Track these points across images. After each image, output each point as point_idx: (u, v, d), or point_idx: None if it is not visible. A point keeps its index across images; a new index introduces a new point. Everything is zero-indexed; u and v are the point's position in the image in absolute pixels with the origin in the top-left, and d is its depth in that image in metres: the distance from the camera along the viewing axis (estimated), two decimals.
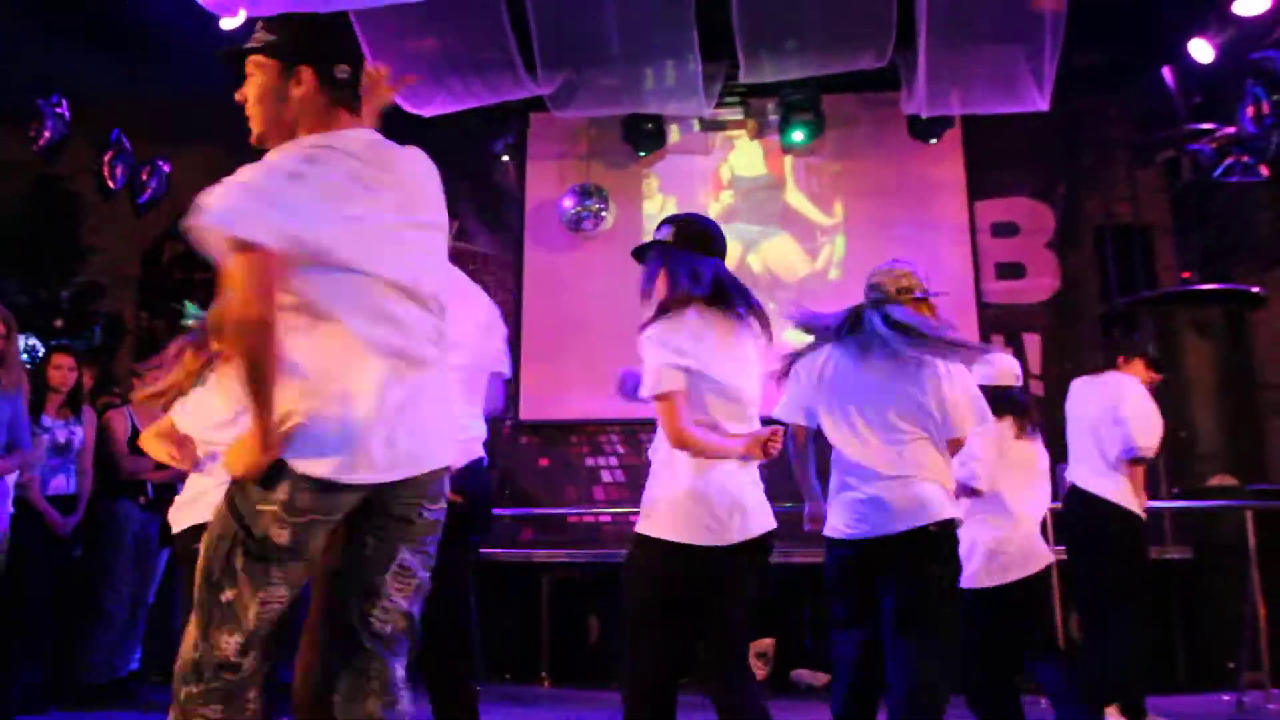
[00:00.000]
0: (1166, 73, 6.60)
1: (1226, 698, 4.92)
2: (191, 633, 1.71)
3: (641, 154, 7.80)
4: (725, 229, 2.72)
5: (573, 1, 6.08)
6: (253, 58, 1.83)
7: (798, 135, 7.52)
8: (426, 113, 6.44)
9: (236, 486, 1.71)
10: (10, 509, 4.35)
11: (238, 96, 1.85)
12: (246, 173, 1.66)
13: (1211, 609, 5.45)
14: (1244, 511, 5.15)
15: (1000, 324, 7.33)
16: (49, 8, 5.89)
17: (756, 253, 7.75)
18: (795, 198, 7.85)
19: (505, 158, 7.91)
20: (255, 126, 1.86)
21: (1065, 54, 5.91)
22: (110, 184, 6.35)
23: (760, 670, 6.12)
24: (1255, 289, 6.37)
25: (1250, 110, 5.76)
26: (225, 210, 1.59)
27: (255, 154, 1.87)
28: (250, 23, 5.87)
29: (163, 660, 5.55)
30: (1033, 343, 7.24)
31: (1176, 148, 6.63)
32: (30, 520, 4.49)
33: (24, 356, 5.42)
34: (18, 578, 4.35)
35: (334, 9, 5.49)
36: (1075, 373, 5.27)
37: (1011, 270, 7.47)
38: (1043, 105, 6.14)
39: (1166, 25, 6.32)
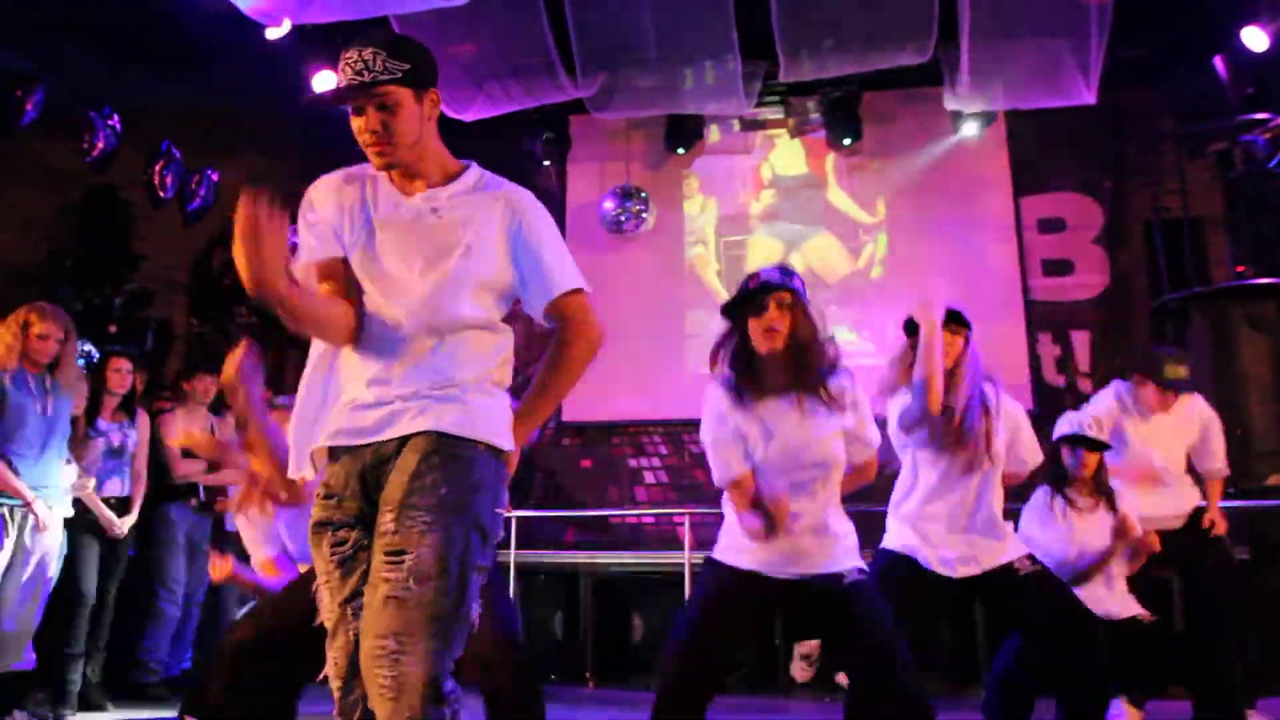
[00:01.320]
0: (1218, 62, 6.45)
1: None
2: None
3: (681, 153, 7.79)
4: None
5: (611, 3, 6.08)
6: (390, 88, 1.83)
7: (846, 141, 7.46)
8: (466, 117, 6.48)
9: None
10: (70, 510, 4.45)
11: (365, 126, 1.85)
12: (560, 238, 1.98)
13: (1271, 609, 5.32)
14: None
15: (1048, 322, 7.21)
16: (99, 21, 6.01)
17: (798, 252, 7.70)
18: (837, 196, 7.79)
19: (545, 161, 7.93)
20: (391, 155, 1.87)
21: (1112, 45, 5.83)
22: (161, 193, 6.47)
23: (806, 672, 6.07)
24: None
25: None
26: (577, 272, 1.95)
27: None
28: (301, 35, 5.96)
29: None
30: (1081, 340, 7.11)
31: (1228, 139, 6.47)
32: (86, 522, 4.58)
33: (79, 362, 5.54)
34: (74, 578, 4.45)
35: (378, 14, 5.58)
36: (1125, 371, 5.17)
37: (1059, 267, 7.34)
38: (1089, 98, 6.07)
39: (1217, 13, 6.19)
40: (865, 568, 2.58)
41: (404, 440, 1.80)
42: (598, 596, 6.16)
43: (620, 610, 6.34)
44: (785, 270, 2.57)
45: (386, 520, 1.72)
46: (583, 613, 6.12)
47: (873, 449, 2.65)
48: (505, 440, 1.86)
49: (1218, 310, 6.16)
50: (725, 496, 2.63)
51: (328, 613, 1.82)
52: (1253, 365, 5.95)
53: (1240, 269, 6.52)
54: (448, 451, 1.77)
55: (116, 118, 6.26)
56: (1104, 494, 3.59)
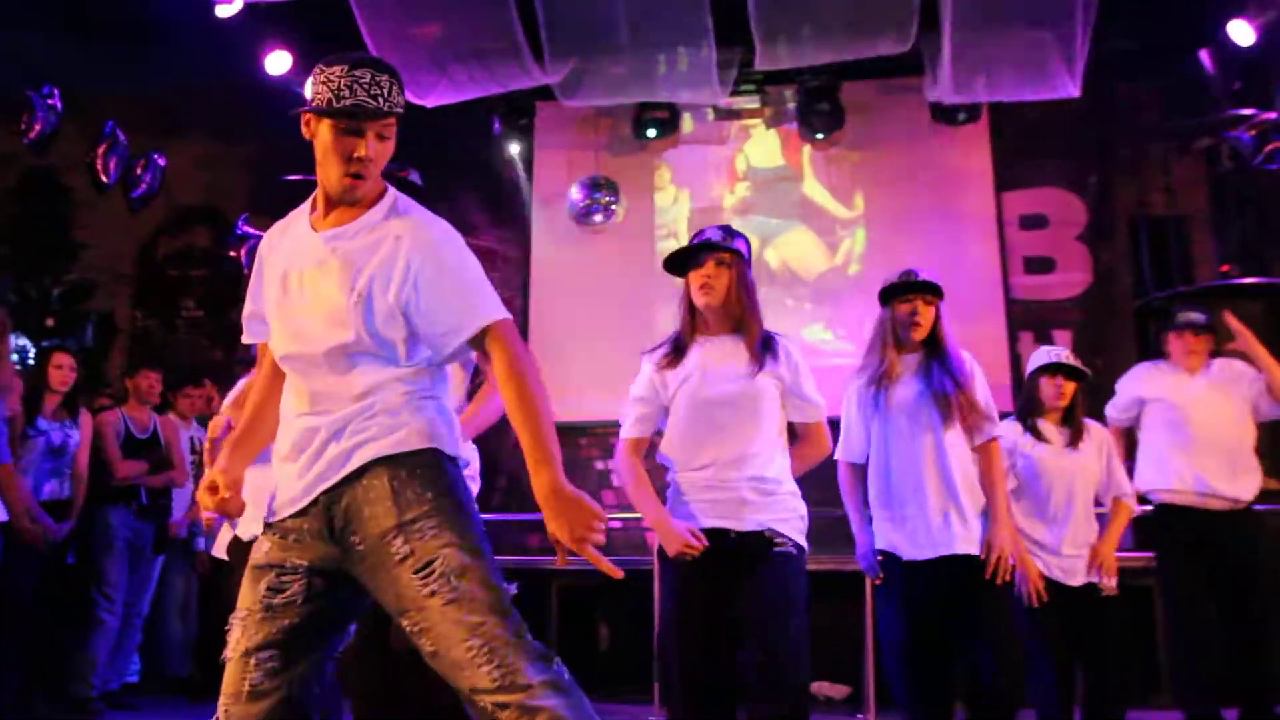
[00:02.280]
0: (1204, 56, 6.41)
1: None
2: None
3: (653, 138, 7.60)
4: (741, 222, 2.75)
5: None
6: (393, 121, 1.89)
7: (819, 136, 7.31)
8: (428, 103, 6.30)
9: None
10: (4, 515, 4.22)
11: (365, 153, 1.84)
12: (471, 268, 1.88)
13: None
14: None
15: (1029, 321, 7.11)
16: None
17: (773, 247, 7.53)
18: (814, 189, 7.62)
19: (510, 148, 7.71)
20: (368, 184, 1.88)
21: (1097, 37, 5.73)
22: (103, 178, 6.22)
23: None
24: None
25: None
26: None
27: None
28: (252, 13, 5.73)
29: (159, 671, 5.44)
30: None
31: (1214, 135, 6.47)
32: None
33: (14, 357, 5.31)
34: (5, 585, 4.24)
35: None
36: (1108, 371, 5.08)
37: (1041, 264, 7.22)
38: (1074, 91, 5.98)
39: (1204, 7, 6.13)
40: (803, 544, 2.67)
41: (358, 473, 1.81)
42: (563, 603, 6.00)
43: (586, 617, 6.20)
44: (728, 230, 2.75)
45: (398, 545, 1.74)
46: (548, 619, 5.95)
47: (816, 413, 2.76)
48: (450, 445, 1.88)
49: (1203, 309, 6.07)
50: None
51: (231, 651, 1.82)
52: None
53: (1225, 268, 6.48)
54: (409, 465, 1.80)
55: (57, 96, 6.00)
56: (1073, 427, 3.62)
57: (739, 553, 2.59)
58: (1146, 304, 6.60)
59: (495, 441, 6.84)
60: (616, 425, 2.86)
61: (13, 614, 4.35)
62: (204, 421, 5.74)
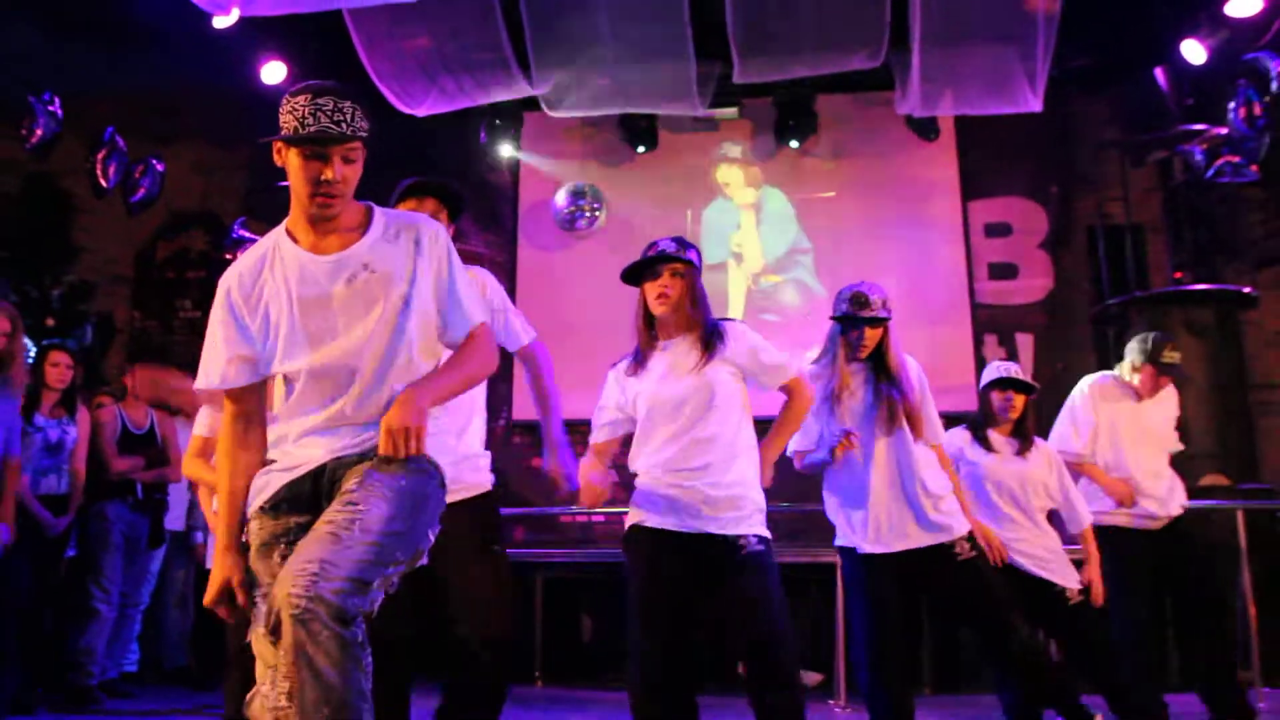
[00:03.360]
0: (1159, 74, 6.61)
1: None
2: None
3: (636, 152, 7.79)
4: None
5: (566, 1, 6.06)
6: (358, 144, 1.96)
7: (794, 144, 7.53)
8: (419, 112, 6.41)
9: None
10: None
11: (332, 176, 1.93)
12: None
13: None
14: (1235, 511, 5.16)
15: (993, 324, 7.33)
16: (40, 2, 5.85)
17: (750, 254, 7.74)
18: (788, 197, 7.83)
19: (499, 157, 7.88)
20: (339, 206, 1.98)
21: (1058, 55, 5.94)
22: (103, 182, 6.30)
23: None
24: (1246, 289, 6.39)
25: (1241, 111, 5.77)
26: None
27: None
28: (250, 23, 5.85)
29: (157, 661, 5.55)
30: (1025, 343, 7.24)
31: (1168, 148, 6.64)
32: (20, 521, 4.46)
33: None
34: (4, 579, 4.32)
35: (328, 8, 5.50)
36: (1068, 373, 5.26)
37: (1004, 270, 7.47)
38: (1036, 106, 6.16)
39: (1159, 26, 6.32)
40: (767, 535, 2.71)
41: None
42: (547, 596, 6.14)
43: (570, 610, 6.33)
44: (681, 242, 2.81)
45: (350, 483, 1.86)
46: (532, 612, 6.09)
47: (785, 371, 2.84)
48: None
49: (1157, 315, 6.32)
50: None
51: (265, 627, 1.85)
52: (1189, 368, 6.11)
53: (1178, 275, 6.70)
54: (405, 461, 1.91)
55: (58, 103, 6.08)
56: (1022, 437, 3.76)
57: (702, 554, 2.63)
58: (1104, 309, 6.82)
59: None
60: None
61: (12, 607, 4.39)
62: None
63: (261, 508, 1.96)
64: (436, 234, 2.07)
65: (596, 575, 6.09)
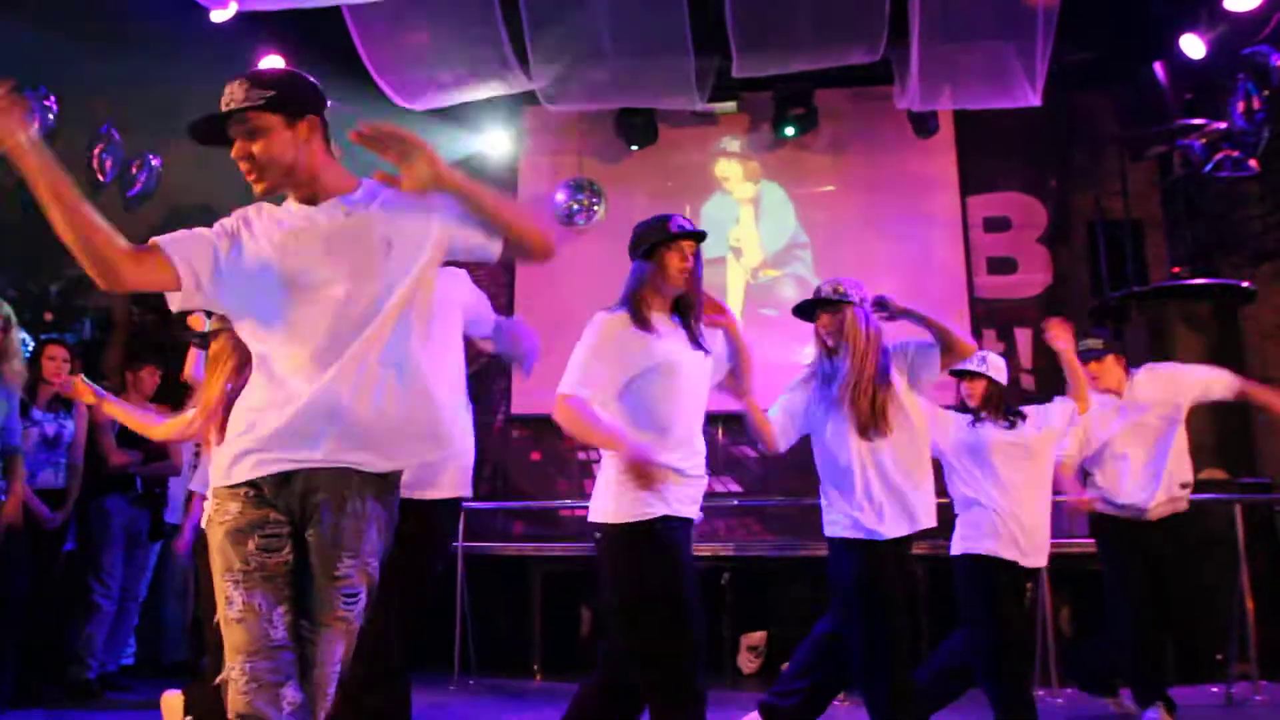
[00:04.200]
0: (1158, 68, 6.61)
1: (1215, 689, 4.95)
2: None
3: (634, 148, 7.79)
4: (717, 224, 2.83)
5: None
6: (252, 115, 1.90)
7: (789, 131, 7.54)
8: (418, 107, 6.43)
9: None
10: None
11: (238, 153, 1.91)
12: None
13: (1204, 601, 5.48)
14: (1233, 505, 5.18)
15: (992, 319, 7.35)
16: None
17: (749, 248, 7.75)
18: (787, 192, 7.84)
19: (497, 152, 7.88)
20: (264, 181, 1.94)
21: (1057, 49, 5.94)
22: (100, 177, 6.30)
23: (753, 663, 6.14)
24: (1245, 283, 6.40)
25: (1240, 105, 5.78)
26: None
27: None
28: (248, 17, 5.85)
29: (156, 654, 5.57)
30: (1024, 337, 7.25)
31: (1167, 143, 6.64)
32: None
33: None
34: (3, 573, 4.33)
35: (327, 4, 5.50)
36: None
37: (1003, 265, 7.47)
38: (1035, 100, 6.16)
39: (1158, 21, 6.32)
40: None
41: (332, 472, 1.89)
42: (546, 589, 6.16)
43: (568, 604, 6.35)
44: (691, 223, 2.86)
45: (347, 565, 1.87)
46: (531, 606, 6.12)
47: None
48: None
49: (1155, 309, 6.34)
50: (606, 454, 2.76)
51: (238, 612, 1.82)
52: (1187, 363, 6.11)
53: (1176, 270, 6.71)
54: (373, 490, 1.92)
55: (53, 99, 6.07)
56: (1007, 415, 3.86)
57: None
58: (1102, 304, 6.83)
59: (481, 433, 7.03)
60: None
61: (10, 601, 4.39)
62: None
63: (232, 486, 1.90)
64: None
65: (595, 569, 6.09)
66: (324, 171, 1.97)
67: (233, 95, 1.90)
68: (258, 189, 1.94)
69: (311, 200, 1.97)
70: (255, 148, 1.90)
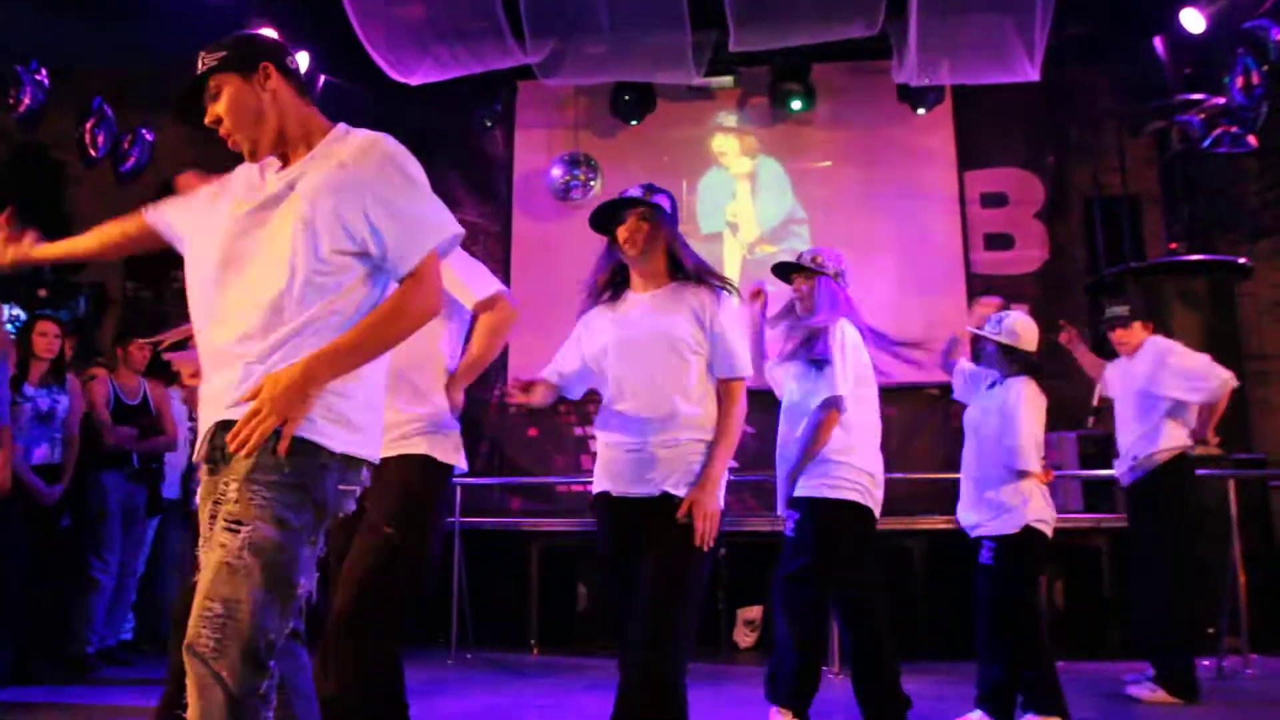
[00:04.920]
0: (1157, 43, 6.59)
1: (1206, 663, 4.99)
2: None
3: (630, 123, 7.74)
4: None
5: None
6: (211, 80, 1.89)
7: (796, 105, 7.49)
8: (412, 81, 6.38)
9: None
10: None
11: (208, 119, 1.90)
12: (420, 189, 1.88)
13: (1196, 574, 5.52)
14: (1227, 480, 5.20)
15: (988, 294, 7.33)
16: None
17: (745, 224, 7.73)
18: (784, 167, 7.81)
19: (492, 126, 7.84)
20: (241, 141, 1.90)
21: (1056, 24, 5.91)
22: (92, 152, 6.27)
23: (749, 637, 6.19)
24: (1241, 260, 6.41)
25: (1240, 80, 5.75)
26: (442, 220, 1.89)
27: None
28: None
29: (154, 629, 5.60)
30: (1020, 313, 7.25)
31: (1166, 118, 6.63)
32: (14, 490, 4.47)
33: (8, 326, 5.39)
34: (0, 548, 4.35)
35: None
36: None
37: (1000, 241, 7.46)
38: (1033, 75, 6.14)
39: None
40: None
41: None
42: (543, 565, 6.19)
43: (565, 579, 6.38)
44: (649, 187, 2.77)
45: (232, 489, 1.72)
46: (528, 581, 6.14)
47: (735, 370, 2.60)
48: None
49: (1151, 285, 6.34)
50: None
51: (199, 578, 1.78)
52: (1183, 338, 6.12)
53: (1174, 246, 6.71)
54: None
55: (44, 73, 6.03)
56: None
57: None
58: (1099, 279, 6.83)
59: (477, 408, 7.04)
60: (594, 394, 2.84)
61: (8, 576, 4.40)
62: None
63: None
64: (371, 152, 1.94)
65: (592, 544, 6.12)
66: (299, 120, 1.93)
67: (201, 63, 1.91)
68: (242, 151, 1.93)
69: (287, 156, 1.93)
70: (219, 108, 1.89)
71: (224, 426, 1.78)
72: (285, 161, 1.93)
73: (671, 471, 2.48)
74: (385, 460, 2.13)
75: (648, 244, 2.67)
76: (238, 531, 1.69)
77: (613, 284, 2.80)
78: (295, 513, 1.73)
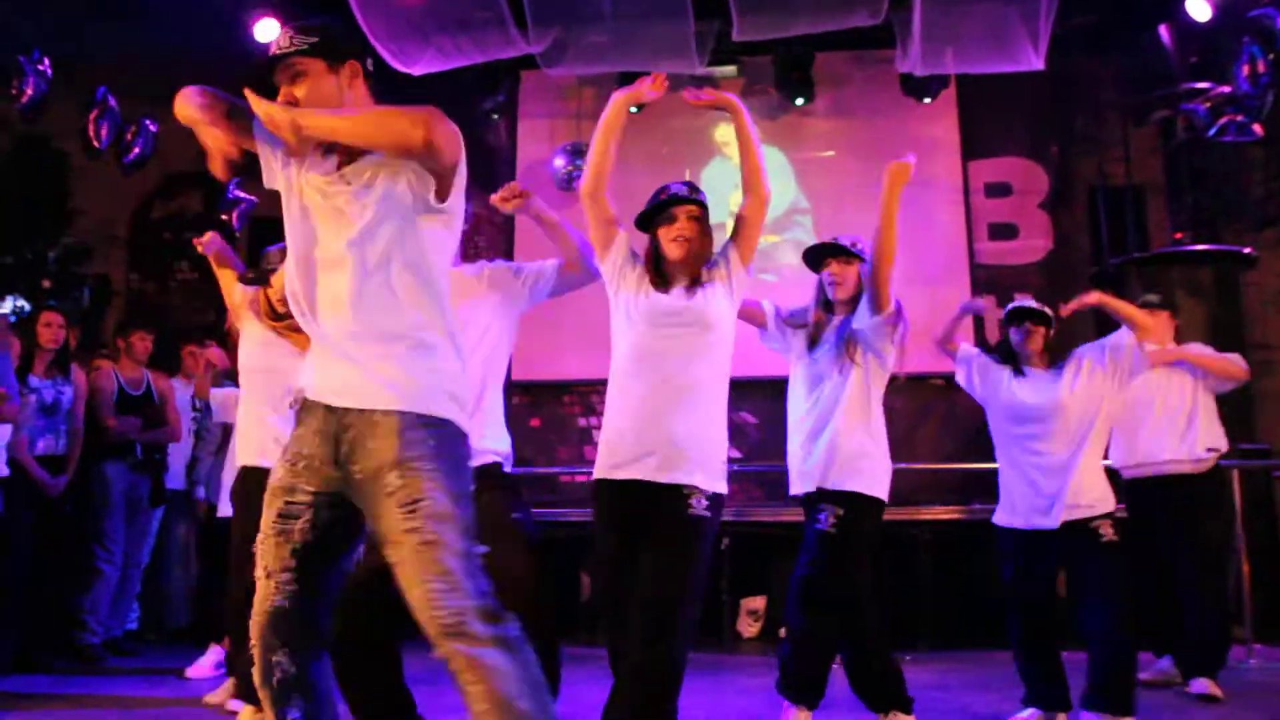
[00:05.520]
0: (1163, 31, 6.55)
1: None
2: None
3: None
4: (716, 189, 2.83)
5: None
6: (296, 59, 1.93)
7: (799, 101, 7.46)
8: (415, 71, 6.36)
9: None
10: (5, 470, 4.34)
11: (282, 98, 1.90)
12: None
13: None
14: (1230, 470, 5.19)
15: (992, 284, 7.32)
16: None
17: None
18: (787, 157, 7.79)
19: (495, 116, 7.83)
20: None
21: (1061, 12, 5.87)
22: (95, 143, 6.26)
23: (752, 627, 6.20)
24: (1246, 250, 6.39)
25: (1246, 69, 5.71)
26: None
27: None
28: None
29: (159, 619, 5.62)
30: None
31: (1171, 107, 6.59)
32: (19, 481, 4.49)
33: (12, 317, 5.41)
34: (5, 538, 4.36)
35: None
36: (1066, 333, 5.29)
37: (1004, 231, 7.44)
38: (1038, 64, 6.10)
39: None
40: (720, 494, 2.63)
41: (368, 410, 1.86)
42: (547, 555, 6.17)
43: (568, 569, 6.39)
44: (692, 186, 2.86)
45: (392, 479, 1.79)
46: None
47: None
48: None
49: (1156, 276, 6.32)
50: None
51: (259, 571, 1.87)
52: (1188, 330, 6.11)
53: (1178, 236, 6.68)
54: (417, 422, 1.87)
55: (47, 62, 6.02)
56: (1056, 361, 3.68)
57: None
58: (1103, 270, 6.81)
59: None
60: (598, 384, 2.99)
61: (13, 566, 4.44)
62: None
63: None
64: None
65: (594, 535, 6.12)
66: None
67: (279, 43, 1.94)
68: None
69: (347, 161, 1.95)
70: (299, 90, 1.93)
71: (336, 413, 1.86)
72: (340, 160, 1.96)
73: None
74: None
75: (697, 243, 2.76)
76: (416, 510, 1.77)
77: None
78: (454, 479, 1.82)
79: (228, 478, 5.38)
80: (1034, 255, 7.37)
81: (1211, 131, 6.14)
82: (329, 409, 1.87)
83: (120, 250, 7.29)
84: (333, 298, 1.90)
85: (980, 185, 7.50)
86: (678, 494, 2.53)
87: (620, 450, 2.63)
